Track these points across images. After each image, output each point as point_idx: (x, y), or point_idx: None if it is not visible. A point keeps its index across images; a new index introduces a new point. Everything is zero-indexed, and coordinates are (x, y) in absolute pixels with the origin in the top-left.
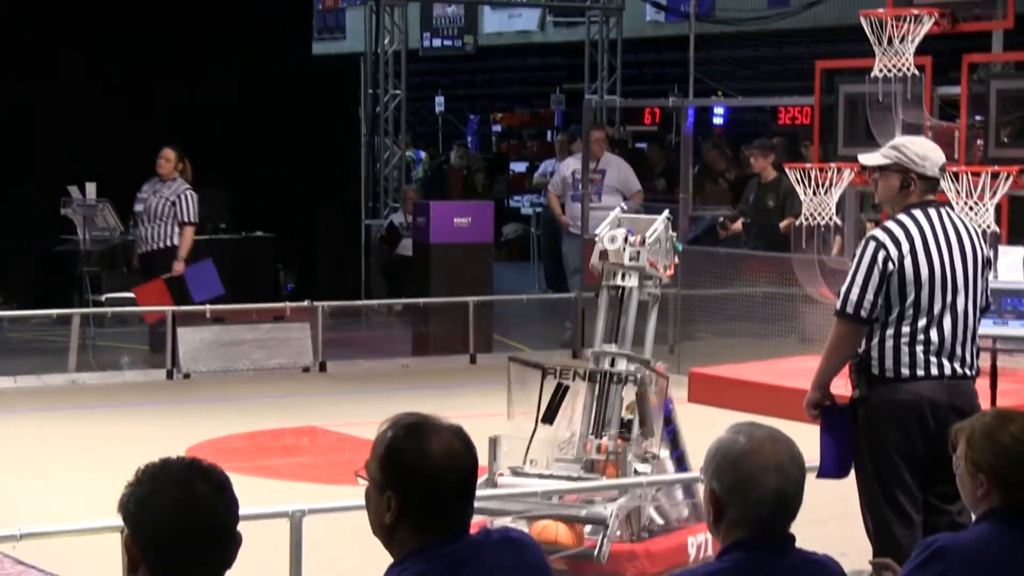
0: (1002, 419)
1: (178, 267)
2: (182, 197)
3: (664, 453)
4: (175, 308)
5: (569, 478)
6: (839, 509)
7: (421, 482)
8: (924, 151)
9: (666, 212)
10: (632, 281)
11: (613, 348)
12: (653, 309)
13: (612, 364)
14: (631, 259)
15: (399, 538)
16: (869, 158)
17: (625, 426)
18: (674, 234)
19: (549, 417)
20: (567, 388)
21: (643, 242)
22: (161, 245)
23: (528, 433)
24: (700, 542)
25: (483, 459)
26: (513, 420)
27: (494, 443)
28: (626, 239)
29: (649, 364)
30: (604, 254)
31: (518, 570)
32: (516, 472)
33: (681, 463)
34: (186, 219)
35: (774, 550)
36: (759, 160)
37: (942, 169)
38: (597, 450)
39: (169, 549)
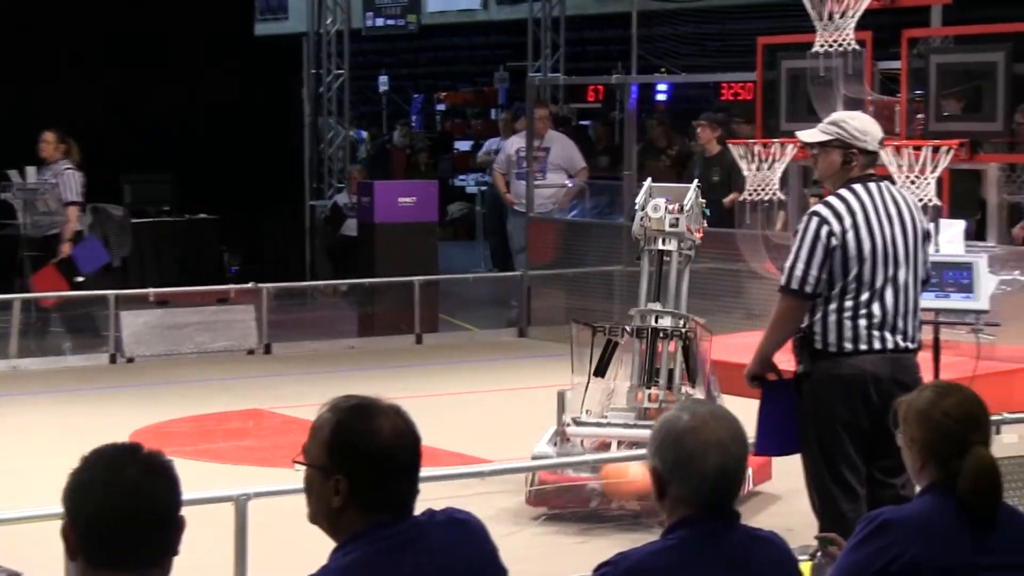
0: (937, 393)
1: (64, 249)
2: (62, 176)
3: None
4: (118, 292)
5: (626, 424)
6: (785, 484)
7: (372, 462)
8: (864, 126)
9: (696, 181)
10: (672, 245)
11: (657, 306)
12: (686, 269)
13: (656, 320)
14: (671, 225)
15: (345, 521)
16: (809, 134)
17: (670, 376)
18: (703, 201)
19: (601, 371)
20: (616, 344)
21: (681, 209)
22: (49, 230)
23: (581, 388)
24: (748, 474)
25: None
26: (574, 375)
27: (561, 397)
28: (666, 207)
29: (688, 319)
30: (646, 220)
31: (464, 550)
32: (577, 422)
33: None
34: (67, 198)
35: (719, 527)
36: (705, 132)
37: (881, 143)
38: (648, 399)
39: (104, 536)
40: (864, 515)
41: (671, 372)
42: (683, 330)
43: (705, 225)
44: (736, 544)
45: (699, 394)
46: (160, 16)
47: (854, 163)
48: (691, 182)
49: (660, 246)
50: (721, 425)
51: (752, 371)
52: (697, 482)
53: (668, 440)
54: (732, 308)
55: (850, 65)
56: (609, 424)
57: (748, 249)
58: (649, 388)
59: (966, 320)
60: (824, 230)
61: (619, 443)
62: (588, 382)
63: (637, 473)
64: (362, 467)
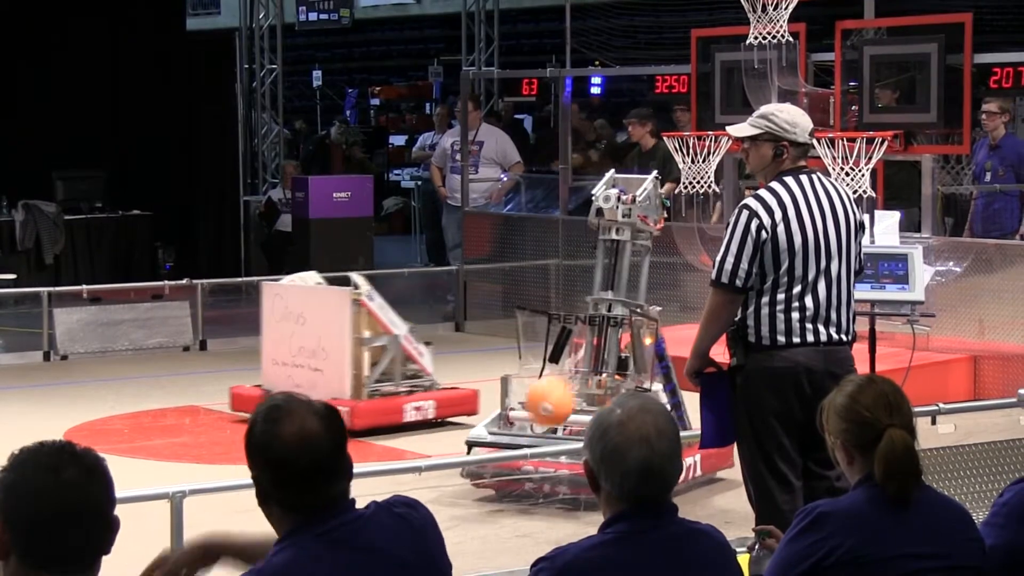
0: (855, 387)
1: None
2: None
3: (657, 387)
4: (51, 289)
5: (576, 410)
6: (723, 476)
7: (274, 467)
8: (793, 118)
9: (655, 172)
10: (625, 235)
11: (609, 295)
12: (645, 259)
13: (609, 309)
14: (624, 216)
15: (275, 518)
16: (739, 129)
17: (622, 364)
18: (662, 191)
19: (555, 357)
20: (570, 331)
21: (634, 200)
22: None
23: (535, 373)
24: (690, 463)
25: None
26: (522, 362)
27: (505, 382)
28: (619, 198)
29: (642, 308)
30: (600, 212)
31: (407, 543)
32: (526, 406)
33: (674, 395)
34: None
35: (655, 521)
36: (636, 128)
37: (811, 134)
38: (597, 385)
39: (38, 536)
40: (800, 508)
41: (624, 360)
42: (631, 319)
43: (665, 216)
44: (672, 538)
45: (647, 382)
46: (92, 11)
47: (785, 156)
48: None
49: (613, 236)
50: (648, 420)
51: (691, 367)
52: (621, 477)
53: (597, 434)
54: (668, 301)
55: (784, 57)
56: None
57: (683, 242)
58: (599, 375)
59: (901, 311)
60: (754, 223)
61: (565, 429)
62: (543, 368)
63: (559, 398)
64: (268, 470)
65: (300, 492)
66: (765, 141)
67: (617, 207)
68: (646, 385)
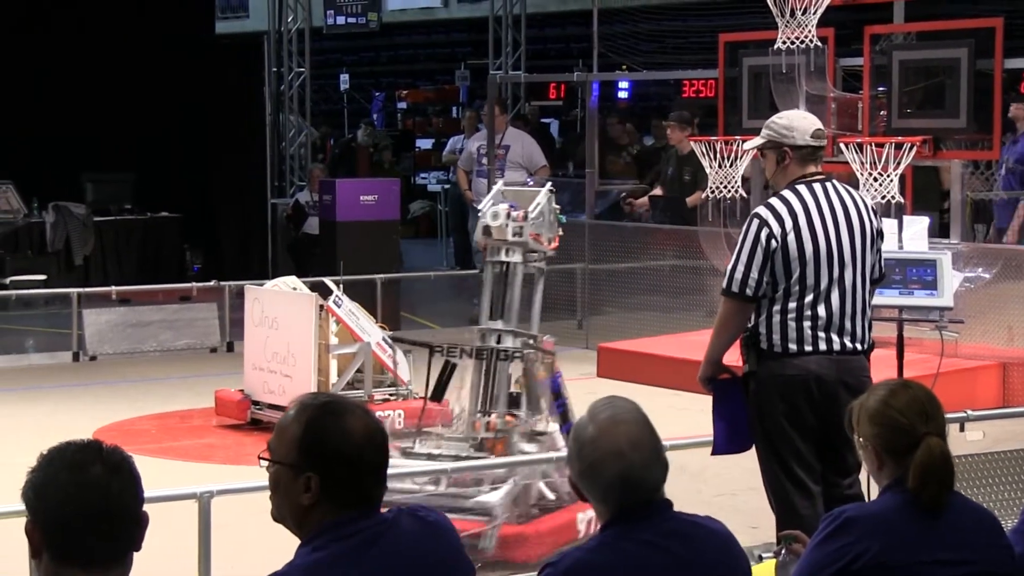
0: (888, 391)
1: None
2: None
3: (554, 427)
4: (80, 290)
5: (458, 457)
6: (749, 482)
7: (346, 460)
8: (790, 122)
9: (548, 184)
10: (516, 256)
11: (499, 325)
12: (539, 283)
13: (499, 341)
14: (514, 234)
15: (314, 518)
16: (750, 143)
17: (514, 401)
18: (557, 207)
19: (437, 395)
20: (455, 366)
21: (526, 217)
22: None
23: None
24: (590, 518)
25: None
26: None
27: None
28: (509, 215)
29: (536, 340)
30: (488, 230)
31: (432, 545)
32: (406, 452)
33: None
34: None
35: (649, 521)
36: (676, 132)
37: (815, 136)
38: (486, 428)
39: (67, 534)
40: (824, 513)
41: (517, 397)
42: (523, 352)
43: (560, 234)
44: (671, 532)
45: (541, 423)
46: (121, 15)
47: (787, 161)
48: (655, 179)
49: (503, 258)
50: (620, 432)
51: (703, 374)
52: (603, 492)
53: (573, 451)
54: (694, 306)
55: (812, 62)
56: (439, 456)
57: (710, 246)
58: (488, 416)
59: (930, 317)
60: (764, 232)
61: (449, 479)
62: (424, 407)
63: None
64: (336, 465)
65: (361, 487)
66: (770, 149)
67: (507, 225)
68: (540, 427)
